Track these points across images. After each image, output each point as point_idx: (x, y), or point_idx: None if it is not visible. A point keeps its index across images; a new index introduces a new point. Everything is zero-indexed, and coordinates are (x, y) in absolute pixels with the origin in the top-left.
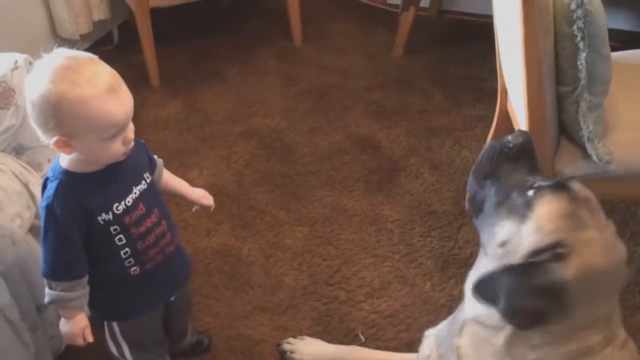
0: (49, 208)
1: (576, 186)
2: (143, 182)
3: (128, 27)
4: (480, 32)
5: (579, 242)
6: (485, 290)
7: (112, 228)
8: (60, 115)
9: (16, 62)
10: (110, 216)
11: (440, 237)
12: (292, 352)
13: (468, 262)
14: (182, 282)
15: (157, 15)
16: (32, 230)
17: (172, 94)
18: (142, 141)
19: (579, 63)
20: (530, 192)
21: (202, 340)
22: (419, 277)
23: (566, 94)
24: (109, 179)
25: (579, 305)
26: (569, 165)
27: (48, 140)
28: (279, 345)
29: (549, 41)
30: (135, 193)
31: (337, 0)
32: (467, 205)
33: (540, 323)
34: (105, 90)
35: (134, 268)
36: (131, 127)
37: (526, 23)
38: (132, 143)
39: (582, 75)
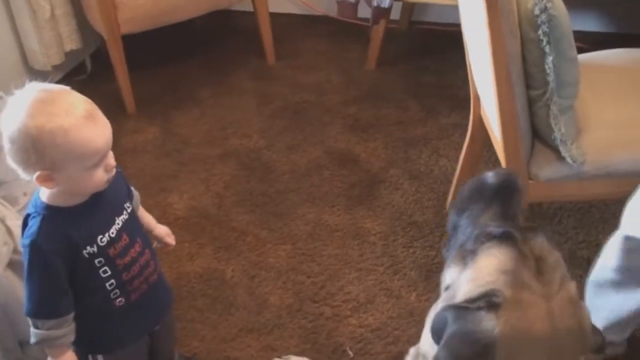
0: (34, 245)
1: (536, 241)
2: (124, 212)
3: (100, 56)
4: (451, 41)
5: (512, 300)
6: (433, 328)
7: (96, 260)
8: (42, 149)
9: None
10: (95, 249)
11: (422, 247)
12: None
13: None
14: (165, 310)
15: (130, 41)
16: (11, 265)
17: (148, 119)
18: (119, 170)
19: (546, 67)
20: (482, 240)
21: None
22: (404, 289)
23: (536, 98)
24: (91, 211)
25: None
26: (544, 168)
27: (29, 176)
28: None
29: (515, 46)
30: (118, 224)
31: (307, 17)
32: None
33: None
34: (84, 119)
35: (119, 299)
36: (111, 154)
37: (492, 28)
38: (114, 170)
39: (551, 78)
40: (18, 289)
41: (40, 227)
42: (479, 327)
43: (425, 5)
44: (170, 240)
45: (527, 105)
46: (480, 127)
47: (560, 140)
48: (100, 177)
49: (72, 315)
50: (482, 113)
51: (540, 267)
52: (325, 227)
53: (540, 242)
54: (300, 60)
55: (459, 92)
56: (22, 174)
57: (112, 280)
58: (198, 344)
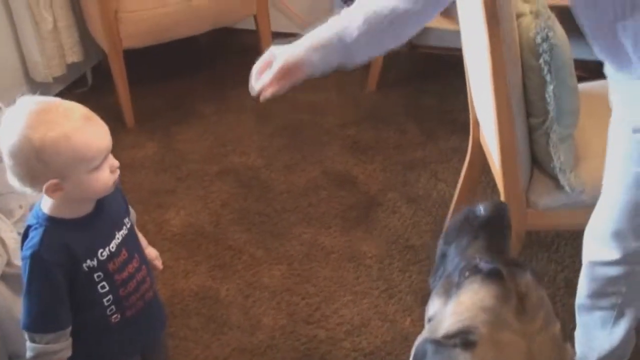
0: (35, 256)
1: (522, 277)
2: (124, 227)
3: (102, 69)
4: (453, 66)
5: (489, 339)
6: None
7: (96, 275)
8: (46, 158)
9: None
10: (95, 262)
11: (419, 271)
12: None
13: None
14: (160, 327)
15: (133, 56)
16: (4, 278)
17: (148, 134)
18: (118, 187)
19: (546, 95)
20: (467, 274)
21: None
22: (399, 313)
23: (536, 126)
24: (93, 224)
25: None
26: (543, 197)
27: (35, 190)
28: None
29: (517, 74)
30: (117, 238)
31: None
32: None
33: None
34: (83, 121)
35: (115, 315)
36: (111, 156)
37: (494, 57)
38: (118, 171)
39: (551, 107)
40: (10, 303)
41: (42, 239)
42: None
43: (427, 29)
44: (158, 263)
45: (526, 133)
46: (479, 152)
47: (560, 168)
48: (107, 178)
49: (69, 329)
50: (481, 139)
51: (524, 305)
52: (321, 249)
53: (526, 279)
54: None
55: (459, 117)
56: (26, 189)
57: (110, 296)
58: None
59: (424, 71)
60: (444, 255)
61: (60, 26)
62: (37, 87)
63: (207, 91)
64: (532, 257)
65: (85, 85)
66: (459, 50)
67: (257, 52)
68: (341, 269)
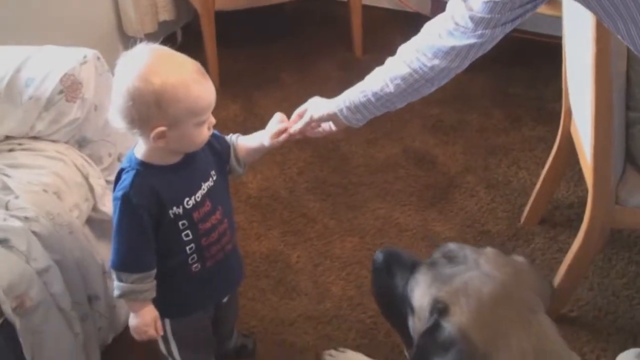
0: (125, 198)
1: (437, 252)
2: (210, 179)
3: (191, 29)
4: (544, 53)
5: (451, 294)
6: None
7: (180, 222)
8: (165, 104)
9: (85, 56)
10: (181, 210)
11: None
12: None
13: None
14: (237, 281)
15: (221, 18)
16: (89, 222)
17: (231, 96)
18: (216, 133)
19: None
20: (405, 293)
21: (247, 344)
22: None
23: (636, 120)
24: (181, 173)
25: (491, 345)
26: (633, 194)
27: (142, 135)
28: (320, 355)
29: (621, 66)
30: (203, 189)
31: (399, 13)
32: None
33: None
34: (199, 73)
35: (195, 264)
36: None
37: (599, 44)
38: (212, 129)
39: None
40: (93, 247)
41: (132, 181)
42: (446, 333)
43: None
44: (280, 126)
45: (624, 127)
46: (568, 143)
47: None
48: (205, 134)
49: (154, 271)
50: (572, 129)
51: (450, 257)
52: (395, 225)
53: (438, 248)
54: (388, 55)
55: (546, 106)
56: (133, 132)
57: (192, 245)
58: (257, 323)
59: (513, 56)
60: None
61: None
62: (128, 42)
63: (291, 59)
64: (612, 256)
65: (175, 43)
66: (554, 37)
67: (345, 25)
68: (414, 247)
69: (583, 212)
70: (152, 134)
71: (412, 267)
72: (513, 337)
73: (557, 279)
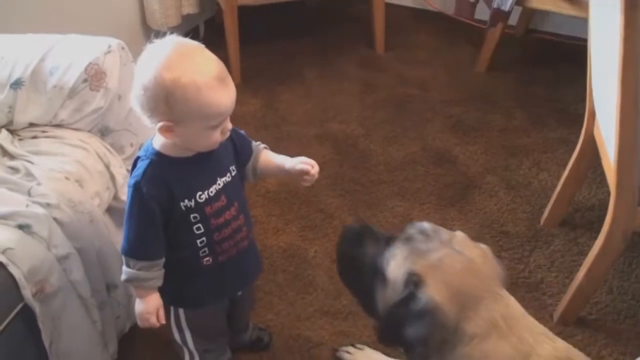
0: (136, 186)
1: (412, 228)
2: (228, 174)
3: (214, 23)
4: (568, 55)
5: (426, 268)
6: (386, 338)
7: (192, 216)
8: (173, 101)
9: (109, 46)
10: (193, 203)
11: (511, 258)
12: None
13: (538, 287)
14: (251, 278)
15: (244, 13)
16: (109, 211)
17: (252, 92)
18: (242, 131)
19: None
20: (378, 264)
21: (262, 337)
22: None
23: None
24: (197, 167)
25: (462, 315)
26: None
27: (152, 124)
28: (336, 350)
29: None
30: (219, 184)
31: (422, 12)
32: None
33: (436, 348)
34: (216, 80)
35: (207, 258)
36: (228, 118)
37: (627, 44)
38: (229, 133)
39: None
40: (113, 235)
41: (145, 171)
42: (421, 304)
43: (547, 13)
44: (313, 172)
45: None
46: (590, 145)
47: None
48: (216, 138)
49: (162, 261)
50: (595, 132)
51: (426, 235)
52: None
53: (412, 224)
54: (409, 54)
55: (569, 107)
56: (146, 121)
57: (204, 238)
58: (273, 317)
59: (536, 57)
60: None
61: None
62: (152, 35)
63: (312, 56)
64: (632, 260)
65: (197, 37)
66: (578, 39)
67: (368, 22)
68: None
69: (604, 215)
70: (159, 126)
71: (386, 241)
72: (482, 307)
73: (577, 281)
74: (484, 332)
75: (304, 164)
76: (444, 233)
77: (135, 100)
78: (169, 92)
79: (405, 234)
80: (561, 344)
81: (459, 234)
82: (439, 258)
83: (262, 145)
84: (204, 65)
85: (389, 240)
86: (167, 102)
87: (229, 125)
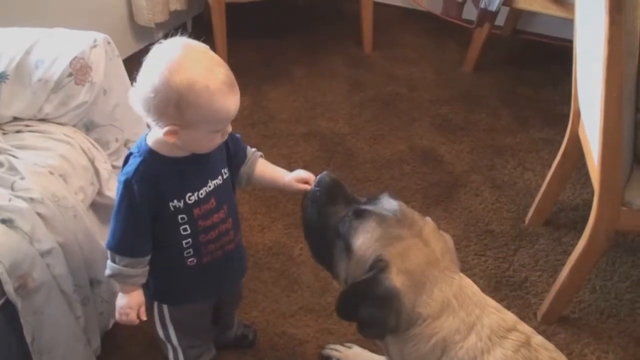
0: (127, 183)
1: (383, 201)
2: (220, 177)
3: (202, 20)
4: (554, 55)
5: (394, 255)
6: (344, 311)
7: (180, 216)
8: (185, 106)
9: (95, 40)
10: (182, 204)
11: (495, 257)
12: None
13: (522, 286)
14: (236, 279)
15: (232, 10)
16: (94, 206)
17: (240, 89)
18: (238, 135)
19: None
20: (344, 229)
21: (247, 334)
22: None
23: None
24: (189, 168)
25: (418, 303)
26: None
27: (158, 127)
28: (322, 349)
29: (632, 65)
30: (209, 186)
31: (410, 12)
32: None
33: (390, 330)
34: (226, 84)
35: (191, 259)
36: None
37: (611, 45)
38: (227, 136)
39: None
40: (97, 231)
41: (137, 168)
42: (381, 288)
43: (534, 14)
44: (303, 187)
45: (633, 128)
46: (575, 145)
47: None
48: (217, 141)
49: (147, 258)
50: (580, 131)
51: (400, 220)
52: None
53: (387, 200)
54: (397, 52)
55: (555, 108)
56: (151, 124)
57: (189, 239)
58: (257, 314)
59: (523, 58)
60: (321, 239)
61: None
62: (139, 30)
63: (300, 54)
64: (615, 260)
65: (185, 34)
66: (563, 40)
67: (356, 21)
68: None
69: (588, 214)
70: (165, 130)
71: (356, 210)
72: (436, 291)
73: (560, 280)
74: (437, 313)
75: (302, 183)
76: (416, 220)
77: (140, 103)
78: (181, 97)
79: (378, 208)
80: (510, 316)
81: (429, 223)
82: (407, 247)
83: (258, 153)
84: (215, 69)
85: (358, 211)
86: (178, 106)
87: (229, 129)
